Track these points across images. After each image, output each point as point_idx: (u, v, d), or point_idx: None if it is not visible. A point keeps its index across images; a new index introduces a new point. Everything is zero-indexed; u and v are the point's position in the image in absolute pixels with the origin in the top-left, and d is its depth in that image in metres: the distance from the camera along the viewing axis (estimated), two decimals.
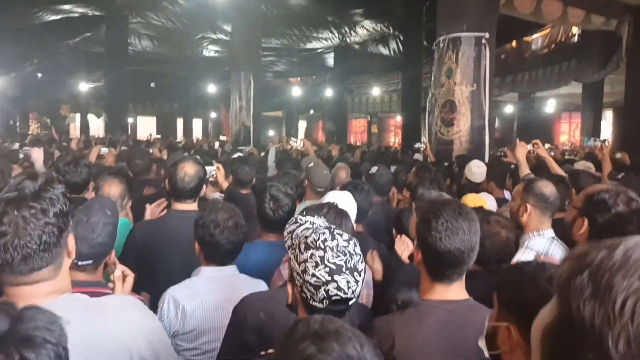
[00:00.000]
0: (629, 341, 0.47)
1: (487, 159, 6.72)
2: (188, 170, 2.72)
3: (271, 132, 26.95)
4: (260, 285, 2.28)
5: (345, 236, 1.39)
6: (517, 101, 20.28)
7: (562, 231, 2.34)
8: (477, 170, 4.87)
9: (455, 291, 1.63)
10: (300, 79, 26.88)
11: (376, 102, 25.33)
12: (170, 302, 2.15)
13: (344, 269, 1.30)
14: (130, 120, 19.48)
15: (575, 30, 15.32)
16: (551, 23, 12.17)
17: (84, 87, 21.58)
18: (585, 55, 15.02)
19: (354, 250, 1.36)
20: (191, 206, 2.74)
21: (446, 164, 6.18)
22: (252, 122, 12.24)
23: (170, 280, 2.28)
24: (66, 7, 14.33)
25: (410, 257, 2.62)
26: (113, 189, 2.68)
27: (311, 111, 28.61)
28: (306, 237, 1.37)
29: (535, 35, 17.84)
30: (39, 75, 20.61)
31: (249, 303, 1.85)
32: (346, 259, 1.31)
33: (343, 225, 2.13)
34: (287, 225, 1.51)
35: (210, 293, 2.17)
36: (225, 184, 3.90)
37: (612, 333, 0.48)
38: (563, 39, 17.17)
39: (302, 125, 31.70)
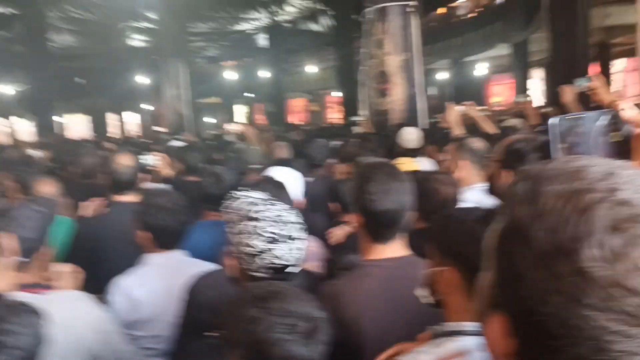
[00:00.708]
0: (547, 231, 0.57)
1: (423, 125, 6.90)
2: (122, 161, 2.69)
3: (212, 120, 26.52)
4: (209, 267, 2.29)
5: (281, 205, 1.42)
6: (449, 67, 20.76)
7: (489, 185, 2.49)
8: (409, 137, 5.02)
9: (394, 249, 1.70)
10: (234, 62, 26.49)
11: (313, 80, 25.32)
12: (121, 293, 2.14)
13: (279, 237, 1.34)
14: (59, 119, 18.68)
15: None
16: None
17: (7, 90, 20.52)
18: (510, 16, 15.54)
19: (289, 218, 1.40)
20: (131, 197, 2.71)
21: (383, 134, 6.30)
22: (188, 110, 12.03)
23: (119, 271, 2.27)
24: None
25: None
26: (47, 187, 2.62)
27: (248, 94, 28.31)
28: (241, 209, 1.40)
29: (461, 0, 18.25)
30: None
31: (200, 283, 1.87)
32: (281, 227, 1.35)
33: (280, 197, 2.16)
34: (226, 202, 1.54)
35: (159, 279, 2.17)
36: (167, 172, 3.86)
37: (535, 226, 0.58)
38: (488, 2, 17.66)
39: (240, 109, 31.34)
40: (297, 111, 29.15)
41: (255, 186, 2.12)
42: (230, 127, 10.50)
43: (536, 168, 0.64)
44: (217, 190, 2.68)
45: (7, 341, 0.86)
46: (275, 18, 16.78)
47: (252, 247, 1.33)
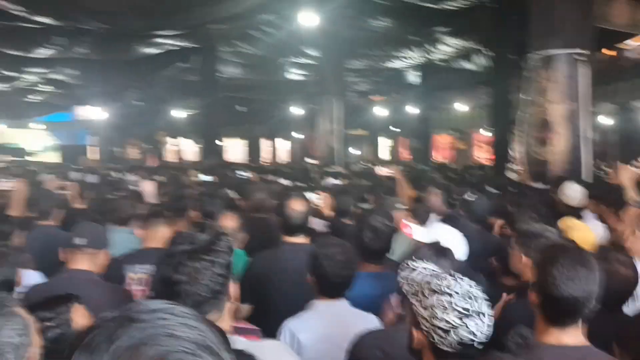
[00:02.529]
0: None
1: (587, 178, 6.47)
2: (296, 206, 2.89)
3: (356, 152, 27.12)
4: (371, 319, 2.37)
5: (468, 280, 1.45)
6: (616, 112, 19.22)
7: None
8: (571, 193, 4.68)
9: (571, 335, 1.64)
10: (383, 97, 26.95)
11: (460, 118, 24.89)
12: (287, 334, 2.30)
13: (472, 312, 1.36)
14: (220, 143, 20.37)
15: None
16: None
17: (179, 114, 22.88)
18: None
19: (477, 293, 1.42)
20: (301, 239, 2.90)
21: (541, 186, 6.00)
22: (339, 143, 12.50)
23: (283, 310, 2.43)
24: (162, 40, 15.38)
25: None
26: (229, 222, 2.90)
27: (394, 129, 28.53)
28: (428, 283, 1.43)
29: (633, 43, 16.90)
30: (139, 104, 22.09)
31: (365, 341, 1.94)
32: (472, 303, 1.37)
33: (441, 262, 2.13)
34: (399, 271, 1.60)
35: (322, 326, 2.30)
36: (329, 213, 4.04)
37: None
38: None
39: (385, 142, 31.66)
40: (443, 148, 28.73)
41: (418, 252, 2.12)
42: (381, 170, 10.71)
43: None
44: (376, 244, 2.77)
45: None
46: (429, 56, 16.81)
47: (447, 322, 1.36)
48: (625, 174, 4.00)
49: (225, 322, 1.47)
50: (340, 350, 2.32)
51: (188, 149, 25.74)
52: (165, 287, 1.41)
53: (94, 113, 21.43)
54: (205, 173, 8.95)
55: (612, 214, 4.01)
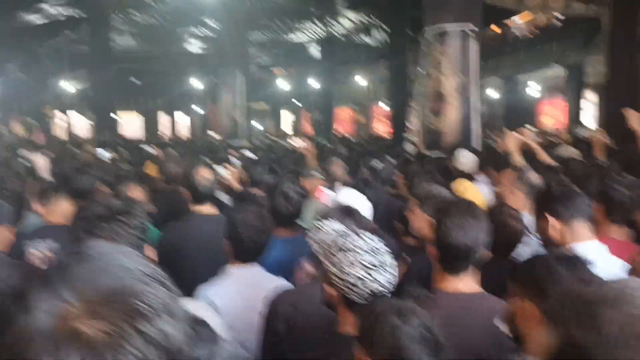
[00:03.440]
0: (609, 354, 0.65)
1: (477, 146, 6.94)
2: (205, 174, 2.89)
3: (259, 126, 26.97)
4: (282, 283, 2.45)
5: (371, 235, 1.56)
6: (501, 85, 20.59)
7: None
8: (464, 160, 5.08)
9: (466, 282, 1.81)
10: (285, 71, 26.93)
11: (361, 91, 25.51)
12: (203, 300, 2.32)
13: (378, 265, 1.47)
14: (115, 117, 19.40)
15: (557, 14, 15.58)
16: (532, 10, 12.45)
17: (68, 87, 21.47)
18: (567, 37, 15.34)
19: (381, 246, 1.53)
20: (211, 208, 2.91)
21: (436, 155, 6.37)
22: (242, 117, 12.40)
23: (197, 279, 2.45)
24: (49, 8, 14.30)
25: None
26: (135, 193, 2.84)
27: (297, 102, 28.67)
28: (335, 241, 1.52)
29: (517, 20, 18.11)
30: (22, 77, 20.45)
31: (280, 297, 2.04)
32: (377, 256, 1.48)
33: (347, 222, 2.25)
34: (309, 233, 1.68)
35: (238, 290, 2.34)
36: (237, 186, 4.05)
37: (596, 351, 0.66)
38: (545, 23, 17.47)
39: (287, 116, 31.76)
40: (344, 121, 29.31)
41: (327, 214, 2.22)
42: (293, 141, 10.78)
43: (590, 291, 0.72)
44: (288, 210, 2.86)
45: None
46: (330, 30, 17.01)
47: (356, 276, 1.45)
48: (511, 140, 4.35)
49: None
50: (256, 312, 2.38)
51: (79, 124, 24.29)
52: None
53: None
54: (102, 148, 8.55)
55: (498, 177, 4.37)
